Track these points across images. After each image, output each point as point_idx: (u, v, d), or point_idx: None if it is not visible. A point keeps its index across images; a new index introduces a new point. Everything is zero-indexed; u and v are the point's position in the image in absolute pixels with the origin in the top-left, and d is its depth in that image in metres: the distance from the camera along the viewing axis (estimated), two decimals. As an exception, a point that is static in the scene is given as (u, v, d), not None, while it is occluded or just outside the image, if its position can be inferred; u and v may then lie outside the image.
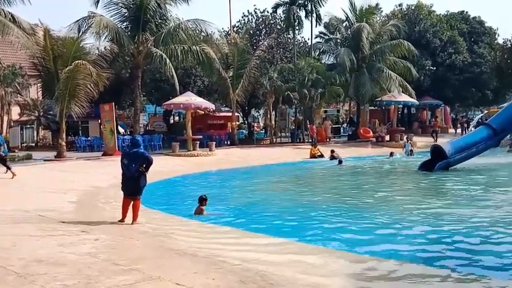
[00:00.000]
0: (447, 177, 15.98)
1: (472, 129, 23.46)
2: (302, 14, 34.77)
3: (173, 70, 25.52)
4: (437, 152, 18.54)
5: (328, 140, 33.21)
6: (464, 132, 36.10)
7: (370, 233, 8.04)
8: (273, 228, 8.62)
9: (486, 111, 32.57)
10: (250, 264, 5.78)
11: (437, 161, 17.97)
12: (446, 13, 46.96)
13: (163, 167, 18.27)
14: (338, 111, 51.76)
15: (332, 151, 23.42)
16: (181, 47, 26.13)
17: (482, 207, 10.29)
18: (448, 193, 13.11)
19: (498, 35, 47.42)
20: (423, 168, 18.10)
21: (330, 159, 23.15)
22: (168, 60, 25.18)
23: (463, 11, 47.72)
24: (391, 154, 25.27)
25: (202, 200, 10.15)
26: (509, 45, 40.36)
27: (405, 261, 6.16)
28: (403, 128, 35.56)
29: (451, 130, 43.16)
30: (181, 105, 25.90)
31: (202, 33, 29.06)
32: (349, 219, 9.13)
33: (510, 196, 11.78)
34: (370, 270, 5.65)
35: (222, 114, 37.67)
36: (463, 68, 42.30)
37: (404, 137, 29.90)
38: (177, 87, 25.81)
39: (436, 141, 29.46)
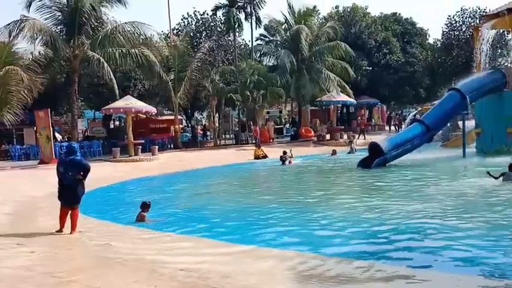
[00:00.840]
0: (385, 173, 16.54)
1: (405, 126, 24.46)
2: (242, 16, 35.05)
3: (111, 74, 24.93)
4: (375, 149, 19.21)
5: (271, 140, 33.64)
6: (397, 130, 37.97)
7: (315, 232, 8.14)
8: (217, 232, 8.62)
9: (420, 109, 34.12)
10: (193, 270, 5.77)
11: (375, 157, 18.63)
12: (380, 15, 48.82)
13: (103, 174, 17.78)
14: (280, 112, 52.50)
15: (284, 152, 23.13)
16: (120, 50, 25.58)
17: (419, 201, 10.60)
18: (385, 189, 13.51)
19: (429, 36, 49.94)
20: (362, 165, 18.70)
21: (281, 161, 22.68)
22: (105, 64, 24.56)
23: (396, 13, 49.77)
24: (333, 152, 25.94)
25: (144, 206, 9.99)
26: (439, 45, 42.49)
27: (348, 259, 6.26)
28: (343, 127, 36.63)
29: (388, 128, 44.91)
30: (121, 109, 25.35)
31: (141, 36, 28.58)
32: (294, 219, 9.20)
33: (444, 189, 12.31)
34: (314, 269, 5.75)
35: (164, 117, 37.21)
36: (397, 68, 44.13)
37: (351, 136, 31.00)
38: (116, 91, 25.23)
39: (364, 138, 30.88)
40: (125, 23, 26.75)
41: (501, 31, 30.61)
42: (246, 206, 11.32)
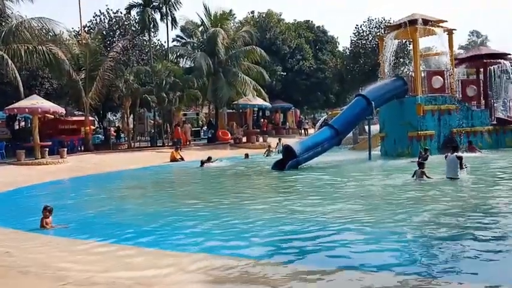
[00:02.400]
0: (297, 175, 17.02)
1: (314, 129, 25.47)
2: (157, 16, 34.45)
3: (16, 72, 23.38)
4: (288, 151, 19.79)
5: (188, 143, 33.42)
6: (305, 133, 39.71)
7: (228, 234, 8.08)
8: (126, 237, 8.40)
9: (330, 113, 35.75)
10: (98, 276, 5.63)
11: (288, 160, 19.19)
12: (294, 22, 50.37)
13: (6, 178, 16.66)
14: (197, 114, 52.34)
15: (209, 158, 22.75)
16: (26, 47, 24.08)
17: (331, 201, 10.93)
18: (298, 190, 13.81)
19: (339, 44, 52.35)
20: (276, 167, 19.18)
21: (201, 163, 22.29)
22: (10, 61, 22.99)
23: (309, 21, 51.65)
24: (246, 156, 26.34)
25: (46, 211, 9.50)
26: (348, 53, 44.67)
27: (261, 261, 6.30)
28: (258, 130, 37.33)
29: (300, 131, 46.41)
30: (27, 109, 23.84)
31: (50, 33, 27.13)
32: (209, 222, 9.09)
33: (355, 189, 12.88)
34: (225, 270, 5.83)
35: (75, 118, 35.57)
36: (309, 74, 45.80)
37: (276, 139, 31.85)
38: (21, 90, 23.69)
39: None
40: (32, 18, 25.26)
41: (403, 41, 32.90)
42: (160, 210, 11.15)
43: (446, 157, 13.92)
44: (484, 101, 24.84)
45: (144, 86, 32.45)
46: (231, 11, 42.78)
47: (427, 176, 13.72)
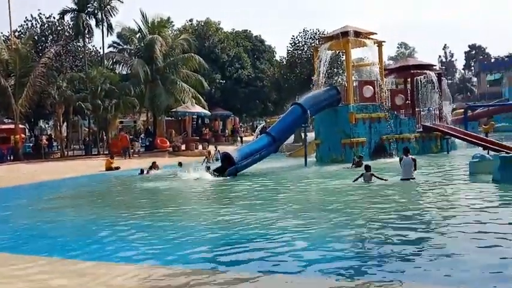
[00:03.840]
0: (236, 182, 17.16)
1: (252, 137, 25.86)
2: (92, 22, 33.72)
3: None
4: (227, 159, 19.96)
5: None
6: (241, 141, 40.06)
7: (160, 244, 7.93)
8: (55, 248, 8.11)
9: (268, 121, 36.42)
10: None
11: (227, 167, 19.36)
12: (232, 31, 50.90)
13: None
14: (135, 122, 51.42)
15: (154, 163, 23.18)
16: None
17: (268, 207, 11.00)
18: (237, 197, 13.82)
19: (276, 53, 53.47)
20: (215, 174, 19.27)
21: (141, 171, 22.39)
22: None
23: (247, 30, 52.40)
24: (180, 164, 26.20)
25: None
26: (284, 63, 45.67)
27: (198, 269, 6.28)
28: (198, 138, 37.29)
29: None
30: (-50, 117, 22.55)
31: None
32: (144, 232, 8.93)
33: (292, 196, 13.09)
34: (158, 280, 5.85)
35: (3, 126, 33.91)
36: (248, 82, 46.43)
37: (213, 146, 31.85)
38: None
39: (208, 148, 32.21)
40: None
41: (337, 52, 34.17)
42: (93, 220, 10.88)
43: (401, 160, 14.65)
44: (411, 110, 26.29)
45: (79, 92, 31.60)
46: (169, 18, 42.58)
47: (378, 178, 14.36)
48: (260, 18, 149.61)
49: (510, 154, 13.25)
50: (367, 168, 14.79)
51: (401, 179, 14.24)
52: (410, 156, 14.56)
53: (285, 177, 18.45)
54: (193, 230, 8.95)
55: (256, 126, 52.99)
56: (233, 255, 7.02)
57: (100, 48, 37.67)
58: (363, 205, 10.89)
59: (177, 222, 9.83)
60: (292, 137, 31.75)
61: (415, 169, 14.38)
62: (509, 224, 7.94)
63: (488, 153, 18.12)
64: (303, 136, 25.65)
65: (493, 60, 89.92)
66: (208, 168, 20.03)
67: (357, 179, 14.45)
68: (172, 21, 44.29)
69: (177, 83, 34.95)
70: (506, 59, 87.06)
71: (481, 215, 8.73)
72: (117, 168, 25.33)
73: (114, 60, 38.67)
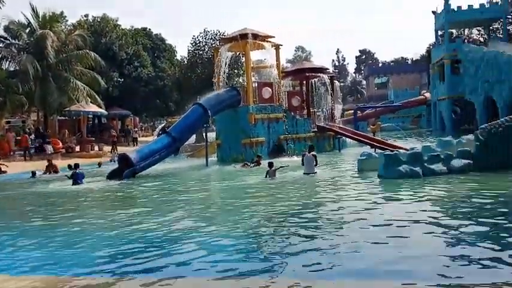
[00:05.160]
0: (134, 185, 16.75)
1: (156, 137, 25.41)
2: (-26, 13, 30.87)
3: None
4: (124, 160, 19.39)
5: (11, 152, 30.48)
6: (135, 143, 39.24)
7: (56, 252, 7.54)
8: None
9: (169, 120, 36.00)
10: None
11: (125, 169, 18.81)
12: (131, 28, 49.52)
13: None
14: (24, 122, 47.91)
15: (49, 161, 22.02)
16: None
17: (171, 210, 10.76)
18: (136, 200, 13.54)
19: (177, 52, 53.00)
20: (112, 177, 18.66)
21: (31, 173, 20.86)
22: None
23: (146, 28, 51.29)
24: (99, 164, 25.09)
25: None
26: (185, 62, 45.53)
27: (100, 277, 6.08)
28: (93, 139, 35.75)
29: (141, 138, 45.73)
30: None
31: None
32: (32, 240, 8.46)
33: (194, 196, 12.92)
34: None
35: None
36: (148, 81, 45.48)
37: (110, 147, 30.68)
38: None
39: (116, 151, 31.13)
40: None
41: (237, 53, 34.78)
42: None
43: (303, 156, 16.12)
44: (306, 110, 27.60)
45: (-42, 89, 28.81)
46: (62, 12, 40.28)
47: (282, 166, 15.79)
48: (160, 17, 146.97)
49: (393, 152, 14.47)
50: (270, 165, 15.72)
51: (304, 173, 15.51)
52: (312, 152, 15.96)
53: (186, 178, 18.36)
54: (91, 236, 8.56)
55: (157, 126, 52.10)
56: (135, 260, 6.81)
57: (-16, 42, 34.66)
58: (264, 202, 11.26)
59: (74, 228, 9.32)
60: (194, 137, 31.76)
61: (316, 164, 15.76)
62: (391, 216, 8.72)
63: (375, 151, 19.61)
64: (204, 136, 25.77)
65: (380, 64, 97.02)
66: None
67: (266, 176, 15.37)
68: (65, 16, 41.97)
69: (70, 81, 33.20)
70: (391, 63, 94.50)
71: (367, 208, 9.48)
72: (4, 172, 23.52)
73: (0, 55, 35.72)
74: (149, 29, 51.19)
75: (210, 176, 18.80)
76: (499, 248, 6.31)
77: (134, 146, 35.59)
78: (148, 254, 7.07)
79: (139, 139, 45.18)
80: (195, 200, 12.32)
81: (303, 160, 16.18)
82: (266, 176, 15.43)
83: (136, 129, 48.02)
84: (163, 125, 31.12)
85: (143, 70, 45.24)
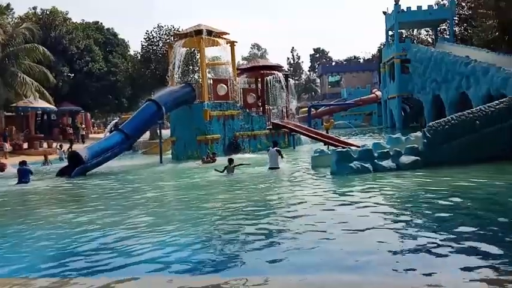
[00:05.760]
0: (85, 182, 16.33)
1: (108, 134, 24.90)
2: None
3: None
4: (75, 157, 18.90)
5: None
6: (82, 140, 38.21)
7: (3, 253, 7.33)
8: None
9: (122, 117, 35.27)
10: None
11: (75, 166, 18.33)
12: (82, 22, 48.14)
13: None
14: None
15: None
16: None
17: (124, 208, 10.55)
18: (87, 199, 13.19)
19: (130, 47, 51.96)
20: (61, 174, 18.16)
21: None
22: None
23: (98, 22, 50.00)
24: (45, 161, 24.19)
25: None
26: (139, 57, 44.67)
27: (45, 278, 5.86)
28: (43, 135, 34.55)
29: (92, 135, 44.58)
30: None
31: None
32: None
33: (147, 194, 12.57)
34: None
35: None
36: (100, 76, 44.38)
37: (58, 145, 29.61)
38: None
39: (70, 148, 30.18)
40: None
41: (192, 50, 34.49)
42: None
43: (268, 151, 16.64)
44: (261, 108, 27.77)
45: None
46: (8, 5, 38.64)
47: (242, 164, 16.15)
48: (113, 11, 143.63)
49: (345, 149, 14.81)
50: (230, 161, 15.97)
51: (269, 168, 15.95)
52: (276, 148, 16.51)
53: (139, 175, 18.08)
54: (39, 237, 8.21)
55: (110, 123, 50.93)
56: (85, 261, 6.60)
57: None
58: (220, 199, 11.31)
59: (22, 229, 9.03)
60: (148, 134, 31.29)
61: (282, 157, 16.51)
62: (342, 211, 8.94)
63: (328, 148, 20.00)
64: (158, 133, 25.46)
65: (333, 63, 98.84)
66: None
67: (223, 171, 15.53)
68: (12, 8, 40.25)
69: (18, 75, 31.90)
70: (344, 62, 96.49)
71: (320, 203, 9.68)
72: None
73: None
74: (101, 23, 49.97)
75: (164, 174, 18.59)
76: (443, 238, 6.60)
77: (83, 143, 34.50)
78: (100, 254, 6.88)
79: (90, 136, 44.05)
80: (148, 198, 12.04)
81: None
82: (223, 171, 15.48)
83: (83, 125, 46.18)
84: (115, 121, 30.41)
85: (95, 65, 44.10)
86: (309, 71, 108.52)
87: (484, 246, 6.15)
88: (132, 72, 43.26)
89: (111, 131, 22.38)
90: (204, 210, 9.73)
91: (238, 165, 16.06)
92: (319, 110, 54.37)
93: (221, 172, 15.49)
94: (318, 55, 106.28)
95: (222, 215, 9.11)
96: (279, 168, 15.98)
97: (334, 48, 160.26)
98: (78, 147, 25.68)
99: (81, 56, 43.57)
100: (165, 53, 34.62)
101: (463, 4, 45.77)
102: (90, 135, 44.35)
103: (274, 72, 29.26)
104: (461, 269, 5.41)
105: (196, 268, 6.04)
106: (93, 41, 45.79)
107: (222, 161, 20.22)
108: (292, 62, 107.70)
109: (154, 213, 9.91)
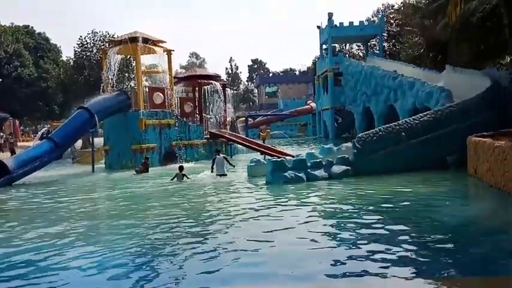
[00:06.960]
0: (11, 193, 15.57)
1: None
2: None
3: None
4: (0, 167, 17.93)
5: None
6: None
7: None
8: None
9: (53, 124, 33.84)
10: None
11: (0, 176, 17.42)
12: (11, 25, 45.93)
13: None
14: None
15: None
16: None
17: (52, 221, 10.06)
18: (11, 211, 12.53)
19: (62, 53, 50.14)
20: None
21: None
22: None
23: (29, 26, 47.88)
24: None
25: None
26: (72, 63, 43.19)
27: None
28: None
29: (21, 143, 42.39)
30: None
31: None
32: None
33: (79, 206, 12.12)
34: None
35: None
36: (29, 82, 42.47)
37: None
38: None
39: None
40: None
41: (128, 57, 33.83)
42: None
43: (214, 159, 17.41)
44: (199, 117, 27.71)
45: None
46: None
47: (187, 177, 16.28)
48: (45, 14, 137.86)
49: (280, 159, 15.13)
50: (180, 168, 16.68)
51: (216, 175, 16.79)
52: (221, 155, 17.63)
53: (70, 185, 17.48)
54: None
55: (40, 130, 48.67)
56: (9, 279, 6.26)
57: None
58: (156, 207, 11.21)
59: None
60: (80, 142, 30.23)
61: (232, 165, 17.99)
62: (276, 218, 9.16)
63: (264, 158, 20.30)
64: (91, 142, 24.73)
65: (271, 74, 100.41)
66: None
67: (173, 179, 16.21)
68: None
69: None
70: (281, 74, 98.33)
71: (255, 210, 9.91)
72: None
73: None
74: (31, 27, 47.86)
75: (96, 184, 18.00)
76: (373, 240, 7.00)
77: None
78: (25, 270, 6.56)
79: (19, 144, 41.86)
80: (78, 210, 11.57)
81: (213, 163, 17.39)
82: (173, 179, 16.17)
83: (9, 135, 43.16)
84: (45, 129, 29.12)
85: (24, 70, 42.14)
86: (247, 81, 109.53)
87: (409, 249, 6.61)
88: (64, 78, 41.70)
89: (41, 139, 21.39)
90: (137, 221, 9.57)
91: (186, 174, 16.49)
92: (257, 120, 55.00)
93: (171, 179, 16.15)
94: (255, 66, 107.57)
95: (154, 226, 9.01)
96: (226, 174, 16.80)
97: (271, 59, 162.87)
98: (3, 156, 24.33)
99: (10, 60, 41.50)
100: (99, 59, 33.72)
101: (392, 21, 48.14)
102: (19, 143, 42.13)
103: (212, 81, 29.33)
104: (392, 273, 5.75)
105: (127, 286, 5.82)
106: (23, 45, 43.76)
107: (156, 170, 20.14)
108: (230, 72, 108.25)
109: (84, 225, 9.54)
